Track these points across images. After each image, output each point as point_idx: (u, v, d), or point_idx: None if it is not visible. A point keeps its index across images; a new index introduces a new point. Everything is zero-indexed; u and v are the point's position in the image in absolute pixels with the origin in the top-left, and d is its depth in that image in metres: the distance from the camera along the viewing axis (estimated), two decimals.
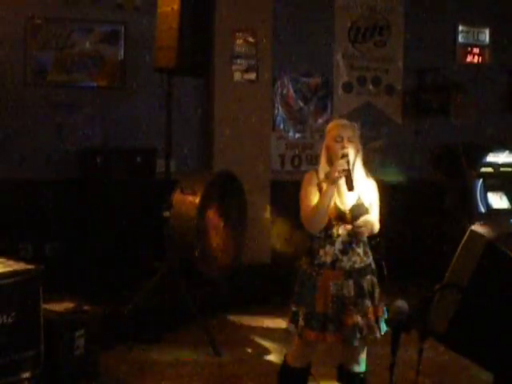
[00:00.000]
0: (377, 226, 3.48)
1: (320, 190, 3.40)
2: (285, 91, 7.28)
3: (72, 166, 6.30)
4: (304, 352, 3.55)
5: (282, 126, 7.20)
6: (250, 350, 5.03)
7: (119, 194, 6.08)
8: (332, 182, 3.33)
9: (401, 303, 2.73)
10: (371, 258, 3.55)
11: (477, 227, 2.74)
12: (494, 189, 7.27)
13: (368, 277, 3.45)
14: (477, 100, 7.81)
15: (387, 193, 7.30)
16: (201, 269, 5.59)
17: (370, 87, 7.64)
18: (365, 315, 3.37)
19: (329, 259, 3.40)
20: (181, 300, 5.27)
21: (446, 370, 4.61)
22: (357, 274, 3.42)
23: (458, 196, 7.10)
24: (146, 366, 4.67)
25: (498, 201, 7.27)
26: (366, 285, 3.42)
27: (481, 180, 7.14)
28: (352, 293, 3.37)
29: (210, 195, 5.63)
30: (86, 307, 4.34)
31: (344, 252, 3.41)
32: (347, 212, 3.39)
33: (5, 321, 3.68)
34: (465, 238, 2.72)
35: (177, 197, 5.51)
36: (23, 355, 3.79)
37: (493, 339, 2.55)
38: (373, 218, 3.43)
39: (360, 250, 3.45)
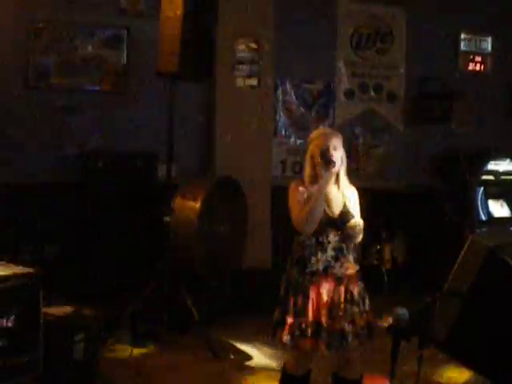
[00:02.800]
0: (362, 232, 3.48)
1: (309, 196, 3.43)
2: (287, 97, 7.29)
3: (73, 169, 6.30)
4: (301, 360, 3.56)
5: (283, 132, 7.21)
6: (249, 355, 5.02)
7: (120, 198, 6.07)
8: (325, 180, 3.37)
9: (401, 310, 2.73)
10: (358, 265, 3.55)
11: (478, 235, 2.75)
12: (495, 197, 7.27)
13: (359, 283, 3.48)
14: (478, 108, 7.82)
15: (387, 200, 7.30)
16: (201, 273, 5.59)
17: (372, 94, 7.64)
18: (352, 322, 3.38)
19: (321, 266, 3.41)
20: (181, 304, 5.27)
21: None
22: (348, 280, 3.44)
23: (458, 204, 7.09)
24: (145, 370, 4.66)
25: (498, 209, 7.27)
26: (356, 291, 3.44)
27: (482, 188, 7.13)
28: (342, 299, 3.39)
29: (210, 200, 5.63)
30: (85, 311, 4.33)
31: (336, 259, 3.43)
32: (336, 218, 3.42)
33: (4, 324, 3.68)
34: (466, 245, 2.72)
35: (178, 202, 5.52)
36: (22, 359, 3.79)
37: (493, 347, 2.55)
38: (361, 221, 3.44)
39: (351, 257, 3.48)
